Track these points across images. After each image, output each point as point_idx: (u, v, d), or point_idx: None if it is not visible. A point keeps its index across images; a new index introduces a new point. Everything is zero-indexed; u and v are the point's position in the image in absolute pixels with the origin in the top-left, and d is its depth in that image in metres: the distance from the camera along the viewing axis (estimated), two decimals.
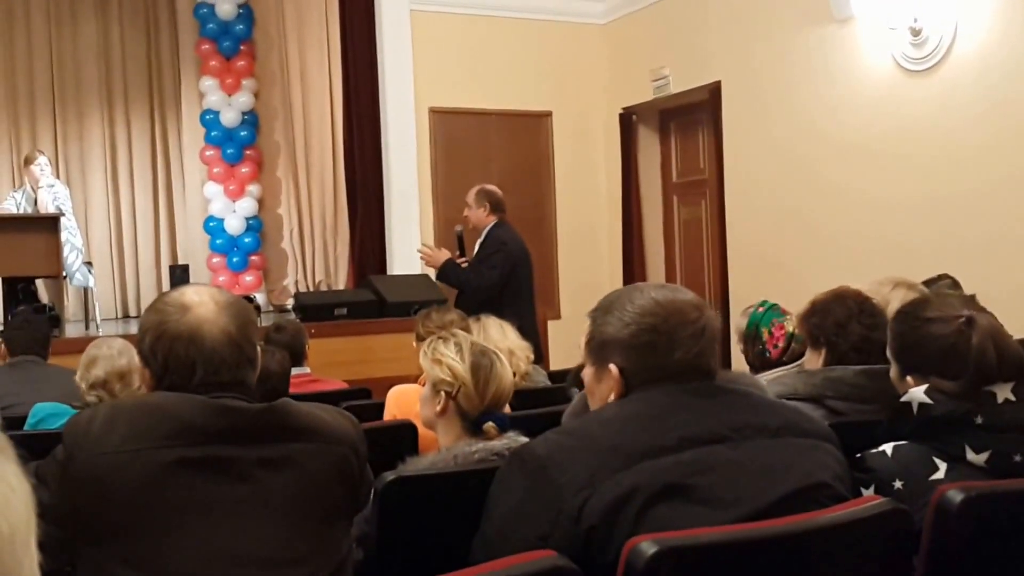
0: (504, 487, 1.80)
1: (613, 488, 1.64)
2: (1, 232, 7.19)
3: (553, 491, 1.66)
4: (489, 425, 2.47)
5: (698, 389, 1.80)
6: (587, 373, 1.95)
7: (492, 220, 6.14)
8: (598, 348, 1.90)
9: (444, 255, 6.25)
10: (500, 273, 5.97)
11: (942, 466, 2.00)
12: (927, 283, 4.32)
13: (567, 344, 6.28)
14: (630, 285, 1.97)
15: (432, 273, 6.61)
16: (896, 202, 6.56)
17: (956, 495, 1.79)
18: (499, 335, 4.03)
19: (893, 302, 3.00)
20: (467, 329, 4.02)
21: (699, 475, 1.68)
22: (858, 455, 2.07)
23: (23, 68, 10.18)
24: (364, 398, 4.41)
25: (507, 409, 2.59)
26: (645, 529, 1.59)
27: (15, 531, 0.78)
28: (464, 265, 6.15)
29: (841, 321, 2.82)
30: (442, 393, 2.51)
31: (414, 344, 4.22)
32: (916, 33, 6.32)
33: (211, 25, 10.04)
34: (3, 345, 4.85)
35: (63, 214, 7.55)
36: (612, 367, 1.85)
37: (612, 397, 1.86)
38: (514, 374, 2.71)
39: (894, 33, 6.46)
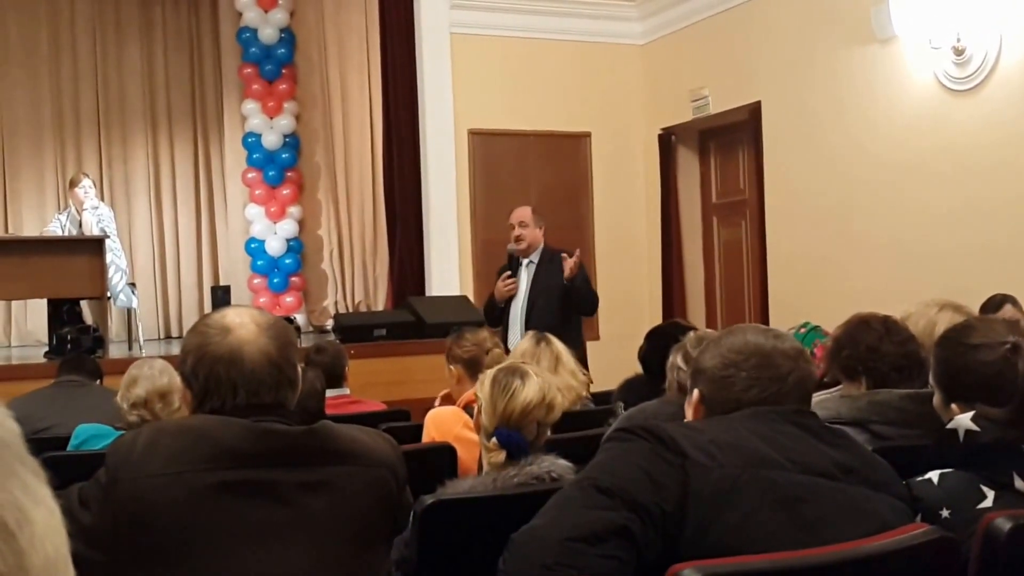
0: (624, 447, 1.78)
1: (732, 473, 1.69)
2: (47, 254, 7.30)
3: (679, 457, 1.70)
4: (492, 442, 2.50)
5: (805, 423, 1.85)
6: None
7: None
8: (692, 375, 2.04)
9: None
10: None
11: (990, 494, 1.96)
12: (985, 305, 4.26)
13: (606, 364, 6.23)
14: (735, 325, 2.11)
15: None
16: (940, 222, 6.48)
17: (1004, 523, 1.76)
18: (551, 367, 3.97)
19: (940, 324, 2.95)
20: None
21: (805, 502, 1.72)
22: (904, 482, 2.03)
23: (69, 91, 10.35)
24: (403, 420, 4.41)
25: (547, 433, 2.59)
26: (749, 529, 1.64)
27: (59, 553, 0.79)
28: (512, 285, 6.09)
29: (873, 345, 2.78)
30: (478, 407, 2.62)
31: (447, 365, 4.22)
32: (959, 52, 6.26)
33: (253, 49, 10.15)
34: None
35: (107, 236, 7.64)
36: (695, 392, 1.97)
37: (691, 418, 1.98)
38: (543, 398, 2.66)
39: (937, 52, 6.40)
